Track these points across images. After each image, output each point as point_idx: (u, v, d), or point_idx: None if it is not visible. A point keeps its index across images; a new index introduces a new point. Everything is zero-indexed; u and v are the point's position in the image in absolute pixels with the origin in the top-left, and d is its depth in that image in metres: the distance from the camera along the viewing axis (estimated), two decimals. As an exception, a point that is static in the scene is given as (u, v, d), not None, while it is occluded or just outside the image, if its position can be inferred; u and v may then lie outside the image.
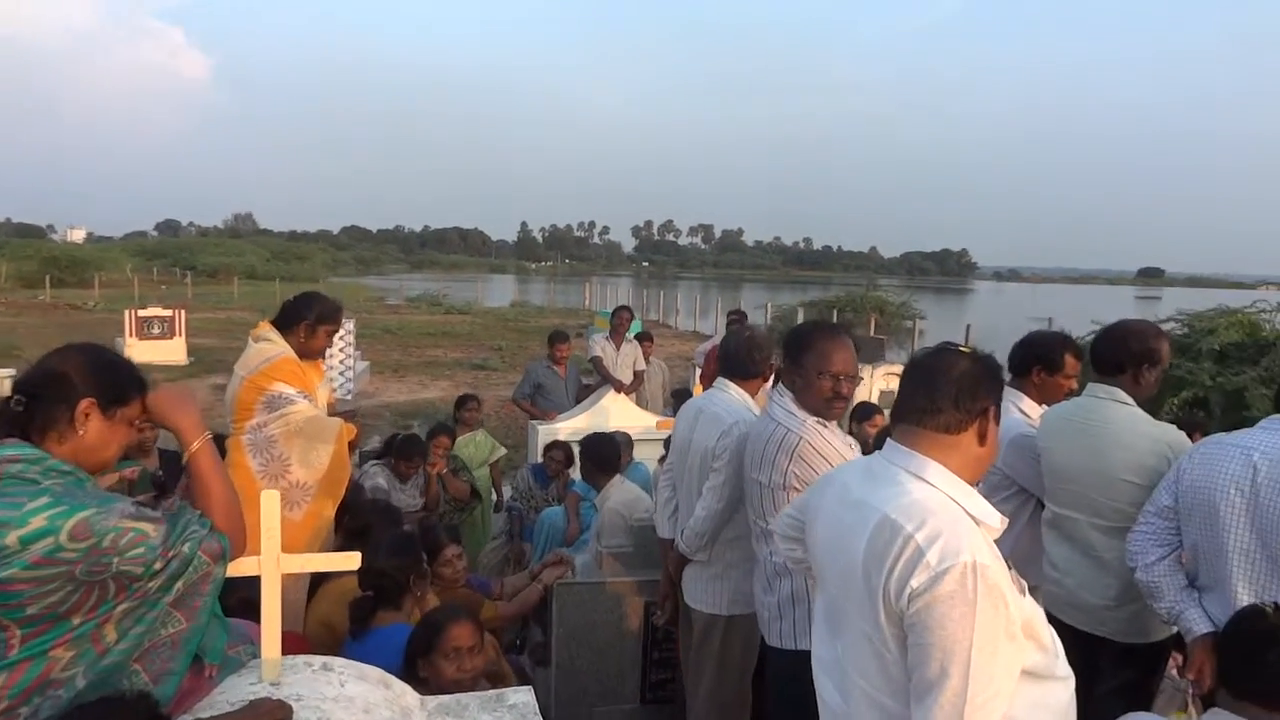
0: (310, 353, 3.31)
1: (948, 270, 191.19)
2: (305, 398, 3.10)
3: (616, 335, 7.89)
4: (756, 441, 2.71)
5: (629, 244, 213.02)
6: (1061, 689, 1.66)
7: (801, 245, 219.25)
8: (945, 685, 1.48)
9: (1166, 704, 2.77)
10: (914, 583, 1.51)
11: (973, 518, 1.60)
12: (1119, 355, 2.83)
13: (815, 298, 35.75)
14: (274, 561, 1.82)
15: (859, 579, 1.64)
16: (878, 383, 13.47)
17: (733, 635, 3.01)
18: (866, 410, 5.12)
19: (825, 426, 2.64)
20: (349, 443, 3.19)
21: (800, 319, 24.62)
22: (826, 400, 2.62)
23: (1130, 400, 2.80)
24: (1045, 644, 1.63)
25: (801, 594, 2.59)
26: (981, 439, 1.69)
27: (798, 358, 2.65)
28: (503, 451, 6.44)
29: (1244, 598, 2.29)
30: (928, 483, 1.63)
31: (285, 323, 3.27)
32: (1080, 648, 2.88)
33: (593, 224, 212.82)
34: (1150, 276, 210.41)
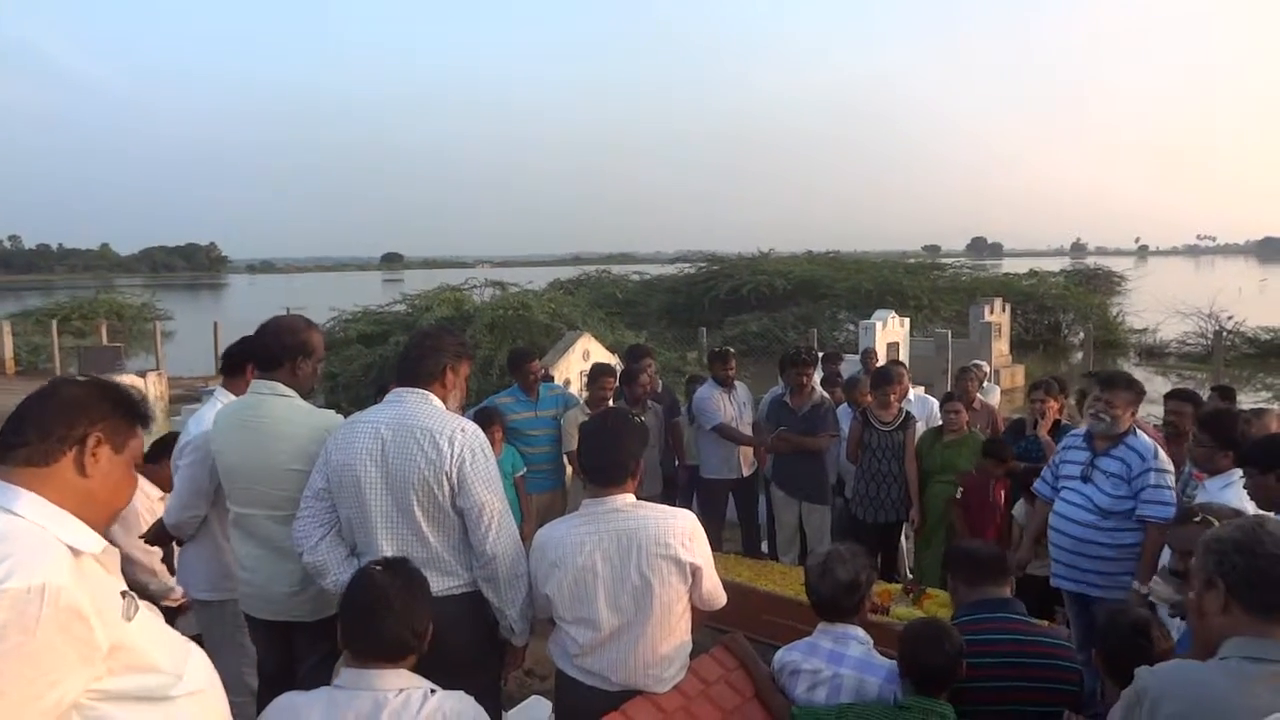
0: None
1: (197, 266, 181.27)
2: None
3: None
4: None
5: None
6: (187, 706, 1.62)
7: (8, 245, 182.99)
8: None
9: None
10: None
11: (69, 546, 1.47)
12: (274, 351, 2.90)
13: (32, 306, 30.42)
14: None
15: None
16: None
17: None
18: None
19: None
20: None
21: (7, 335, 20.58)
22: None
23: (291, 392, 2.90)
24: (155, 665, 1.56)
25: None
26: (80, 469, 1.58)
27: None
28: None
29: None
30: (14, 514, 1.48)
31: None
32: (277, 638, 2.97)
33: None
34: (393, 261, 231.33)
